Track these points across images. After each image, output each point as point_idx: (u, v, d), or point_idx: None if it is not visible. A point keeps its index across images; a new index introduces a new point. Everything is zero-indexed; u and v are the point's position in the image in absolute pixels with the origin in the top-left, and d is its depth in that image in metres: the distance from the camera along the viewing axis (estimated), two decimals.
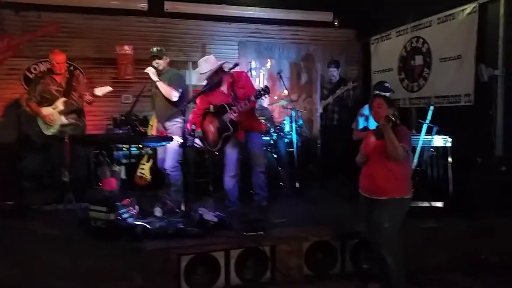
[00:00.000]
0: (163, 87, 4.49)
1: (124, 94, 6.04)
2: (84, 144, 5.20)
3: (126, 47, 6.47)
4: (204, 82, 4.45)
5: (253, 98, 4.03)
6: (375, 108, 3.25)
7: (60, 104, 4.75)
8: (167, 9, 6.59)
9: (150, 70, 4.51)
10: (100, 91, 4.67)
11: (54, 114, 4.75)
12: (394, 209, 3.14)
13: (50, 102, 4.77)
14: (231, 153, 4.47)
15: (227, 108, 4.18)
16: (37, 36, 6.24)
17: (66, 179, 4.33)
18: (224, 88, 4.38)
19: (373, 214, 3.20)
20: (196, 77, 4.51)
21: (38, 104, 4.77)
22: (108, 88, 4.73)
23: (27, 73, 6.23)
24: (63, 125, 4.77)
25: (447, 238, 3.98)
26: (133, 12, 6.53)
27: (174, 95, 4.49)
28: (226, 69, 4.36)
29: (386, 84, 5.08)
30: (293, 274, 3.69)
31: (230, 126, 4.22)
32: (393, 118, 2.96)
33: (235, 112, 4.12)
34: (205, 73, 4.27)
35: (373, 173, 3.20)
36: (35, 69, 6.26)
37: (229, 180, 4.52)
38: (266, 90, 3.98)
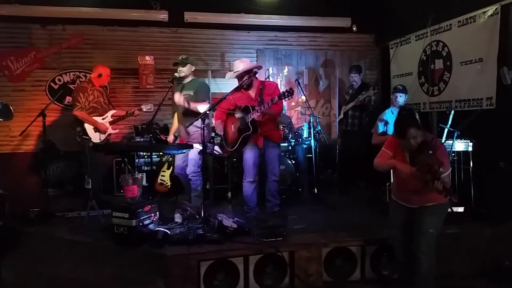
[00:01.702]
0: (194, 107, 4.54)
1: (145, 103, 6.17)
2: (108, 152, 5.32)
3: (147, 58, 6.65)
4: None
5: (276, 98, 4.09)
6: (412, 142, 3.02)
7: (109, 115, 5.14)
8: (187, 20, 6.70)
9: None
10: (145, 107, 5.15)
11: (106, 124, 5.09)
12: (439, 213, 3.14)
13: (100, 113, 5.06)
14: (249, 158, 4.50)
15: (250, 109, 4.27)
16: (62, 48, 6.49)
17: (89, 186, 4.45)
18: (252, 92, 4.46)
19: (417, 220, 3.14)
20: (231, 78, 4.59)
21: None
22: (150, 105, 5.23)
23: (52, 84, 6.45)
24: (109, 134, 5.15)
25: (469, 244, 3.91)
26: (154, 23, 6.68)
27: (203, 108, 4.53)
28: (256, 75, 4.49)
29: (399, 86, 5.04)
30: (312, 280, 3.68)
31: (250, 126, 4.27)
32: (452, 199, 2.80)
33: (257, 112, 4.19)
34: (238, 71, 4.40)
35: (421, 190, 3.05)
36: (59, 80, 6.47)
37: (248, 186, 4.55)
38: (290, 92, 4.07)
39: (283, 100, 4.41)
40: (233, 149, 4.55)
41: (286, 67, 7.11)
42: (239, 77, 4.42)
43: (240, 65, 4.44)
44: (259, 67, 4.63)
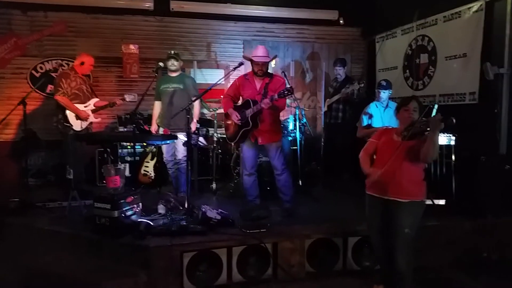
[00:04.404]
0: (196, 114, 4.91)
1: (129, 92, 6.09)
2: (90, 142, 5.25)
3: (131, 46, 6.54)
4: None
5: (276, 96, 3.99)
6: (410, 111, 3.06)
7: (92, 103, 5.07)
8: (173, 8, 6.63)
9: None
10: (128, 97, 5.06)
11: (87, 112, 5.02)
12: (416, 212, 3.09)
13: (81, 100, 4.99)
14: (245, 151, 4.46)
15: (251, 104, 4.20)
16: (45, 35, 6.34)
17: (71, 176, 4.39)
18: (258, 83, 4.36)
19: (393, 219, 3.09)
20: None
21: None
22: (134, 95, 5.13)
23: (33, 72, 6.32)
24: (91, 123, 5.09)
25: (449, 237, 3.98)
26: (139, 11, 6.59)
27: (197, 105, 4.89)
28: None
29: (383, 82, 5.04)
30: (295, 271, 3.71)
31: (250, 121, 4.21)
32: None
33: (257, 108, 4.13)
34: (267, 58, 4.29)
35: (396, 174, 3.04)
36: (41, 68, 6.35)
37: (247, 179, 4.49)
38: (289, 90, 3.96)
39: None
40: (232, 142, 4.54)
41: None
42: (257, 63, 4.27)
43: (265, 51, 4.29)
44: (275, 57, 4.57)
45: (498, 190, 4.21)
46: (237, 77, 4.68)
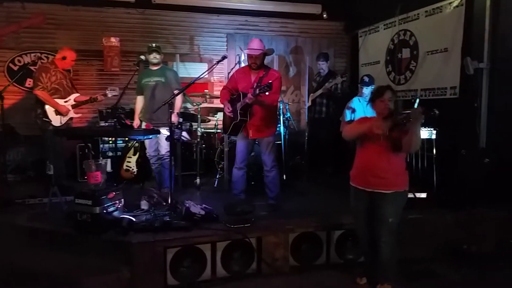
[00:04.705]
0: (178, 106, 4.79)
1: (110, 86, 5.99)
2: (70, 137, 5.16)
3: (112, 39, 6.43)
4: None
5: (257, 91, 3.95)
6: (386, 101, 3.07)
7: (73, 98, 4.98)
8: (154, 1, 6.55)
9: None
10: (110, 92, 4.97)
11: (68, 107, 4.92)
12: (398, 202, 3.13)
13: (62, 95, 4.89)
14: (238, 146, 4.46)
15: (241, 97, 4.19)
16: (22, 27, 6.17)
17: (51, 172, 4.30)
18: (253, 76, 4.33)
19: (377, 209, 3.13)
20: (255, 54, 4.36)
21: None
22: (116, 89, 5.04)
23: (11, 65, 6.16)
24: (71, 118, 4.99)
25: (430, 229, 4.03)
26: (120, 3, 6.47)
27: (180, 98, 4.76)
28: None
29: (365, 78, 5.07)
30: (279, 265, 3.72)
31: (238, 115, 4.20)
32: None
33: (244, 102, 4.10)
34: (259, 50, 4.23)
35: (377, 166, 3.09)
36: (19, 61, 6.19)
37: (235, 172, 4.49)
38: (268, 86, 3.92)
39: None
40: (226, 134, 4.55)
41: None
42: (250, 56, 4.25)
43: (259, 44, 4.27)
44: (272, 51, 4.52)
45: (478, 183, 4.29)
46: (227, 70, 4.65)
